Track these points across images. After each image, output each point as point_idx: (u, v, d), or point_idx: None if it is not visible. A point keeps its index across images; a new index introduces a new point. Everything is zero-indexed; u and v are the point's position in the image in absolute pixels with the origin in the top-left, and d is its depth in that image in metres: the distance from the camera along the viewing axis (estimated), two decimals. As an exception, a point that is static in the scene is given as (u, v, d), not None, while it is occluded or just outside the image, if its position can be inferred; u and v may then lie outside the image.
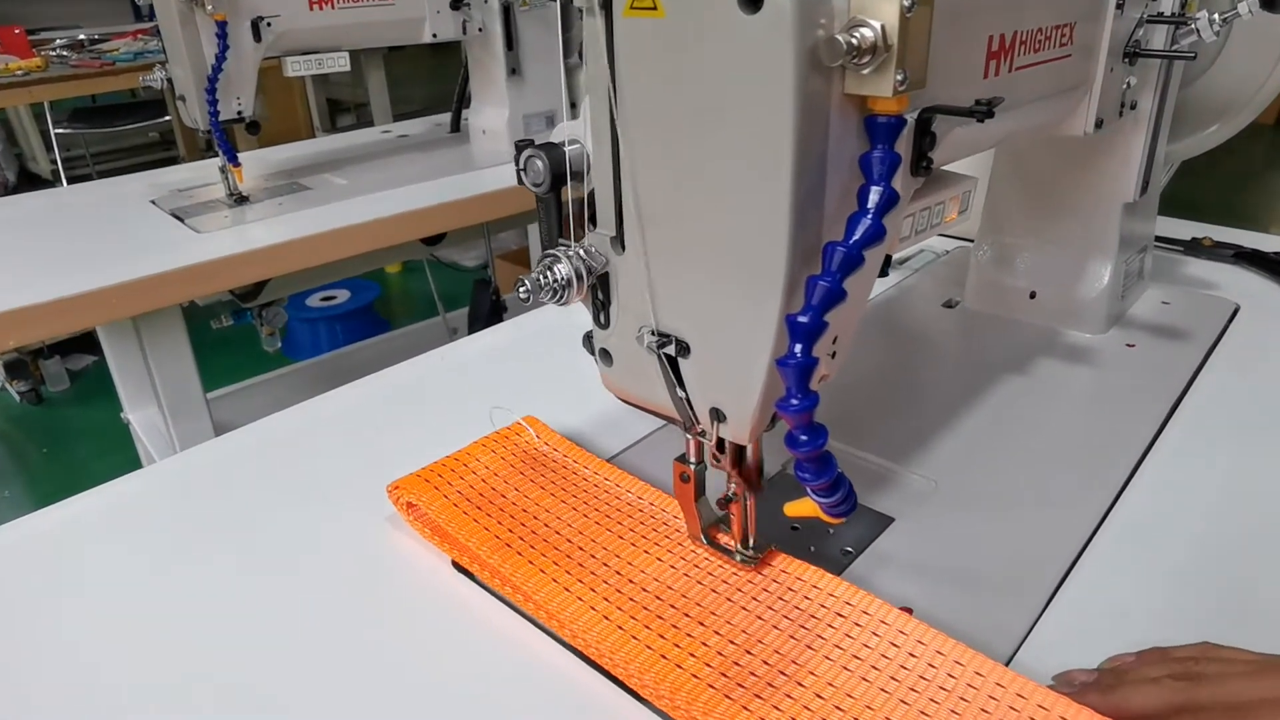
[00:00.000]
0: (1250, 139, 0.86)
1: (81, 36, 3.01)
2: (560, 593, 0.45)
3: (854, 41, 0.31)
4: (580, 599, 0.45)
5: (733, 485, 0.46)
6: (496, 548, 0.48)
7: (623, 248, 0.41)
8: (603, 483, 0.55)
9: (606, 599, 0.45)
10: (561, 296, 0.42)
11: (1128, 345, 0.72)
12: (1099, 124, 0.59)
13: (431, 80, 4.16)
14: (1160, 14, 0.60)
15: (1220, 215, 1.01)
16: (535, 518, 0.51)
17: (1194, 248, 0.92)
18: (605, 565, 0.47)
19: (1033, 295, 0.76)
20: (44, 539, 0.54)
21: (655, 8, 0.34)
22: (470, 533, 0.50)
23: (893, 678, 0.39)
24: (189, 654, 0.44)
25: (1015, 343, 0.74)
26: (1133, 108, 0.65)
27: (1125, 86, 0.62)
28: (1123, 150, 0.69)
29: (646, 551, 0.49)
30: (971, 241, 0.83)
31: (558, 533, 0.50)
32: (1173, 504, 0.53)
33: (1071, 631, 0.44)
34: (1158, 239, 0.85)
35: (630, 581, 0.46)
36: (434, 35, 1.34)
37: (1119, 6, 0.55)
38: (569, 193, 0.42)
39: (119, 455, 1.66)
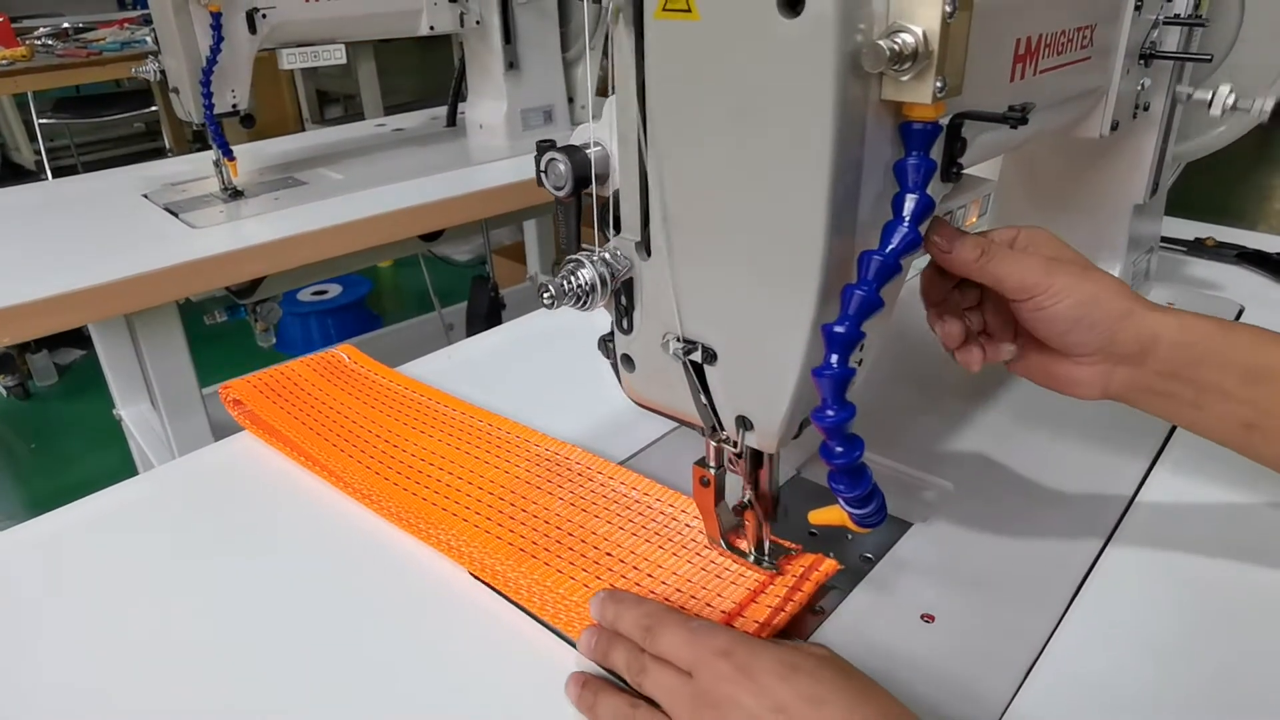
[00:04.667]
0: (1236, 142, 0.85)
1: (66, 25, 2.97)
2: (362, 471, 0.56)
3: (896, 48, 0.30)
4: (394, 482, 0.55)
5: (748, 491, 0.45)
6: (310, 439, 0.59)
7: (648, 253, 0.40)
8: (403, 392, 0.65)
9: (426, 486, 0.54)
10: (585, 302, 0.41)
11: (1136, 346, 0.72)
12: (1114, 126, 0.59)
13: (421, 73, 4.12)
14: (1176, 15, 0.60)
15: (1206, 214, 1.01)
16: (343, 415, 0.63)
17: (1197, 248, 0.92)
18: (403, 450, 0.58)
19: (1041, 296, 0.76)
20: (44, 545, 0.53)
21: (689, 10, 0.33)
22: (288, 426, 0.61)
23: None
24: (189, 664, 0.44)
25: (1024, 344, 0.73)
26: (1145, 109, 0.65)
27: (1140, 88, 0.61)
28: (1133, 152, 0.68)
29: (446, 441, 0.59)
30: (978, 241, 0.82)
31: (362, 427, 0.61)
32: (1188, 503, 0.53)
33: (1094, 636, 0.44)
34: (1160, 240, 0.85)
35: (429, 465, 0.56)
36: (431, 28, 1.32)
37: (1137, 8, 0.55)
38: (594, 197, 0.42)
39: (108, 450, 1.65)
